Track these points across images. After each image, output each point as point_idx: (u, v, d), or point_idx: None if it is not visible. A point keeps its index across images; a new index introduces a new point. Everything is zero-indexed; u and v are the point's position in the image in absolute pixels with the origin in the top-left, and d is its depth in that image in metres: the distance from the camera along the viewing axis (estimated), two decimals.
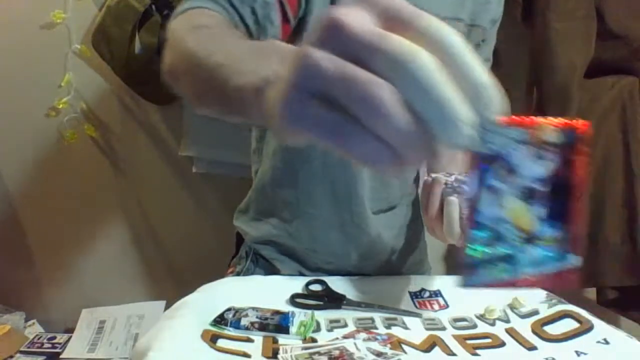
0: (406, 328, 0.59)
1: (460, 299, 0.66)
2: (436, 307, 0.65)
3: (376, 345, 0.52)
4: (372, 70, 0.25)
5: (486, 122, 0.27)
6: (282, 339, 0.55)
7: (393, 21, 0.25)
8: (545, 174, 0.32)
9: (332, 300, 0.65)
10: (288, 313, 0.58)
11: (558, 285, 0.34)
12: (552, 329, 0.58)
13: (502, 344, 0.56)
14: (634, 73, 1.14)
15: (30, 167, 1.37)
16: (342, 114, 0.26)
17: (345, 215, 0.75)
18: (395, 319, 0.61)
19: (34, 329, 1.34)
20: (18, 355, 1.19)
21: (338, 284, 0.70)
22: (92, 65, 1.28)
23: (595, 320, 0.57)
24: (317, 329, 0.58)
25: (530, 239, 0.33)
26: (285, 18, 0.61)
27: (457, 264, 0.33)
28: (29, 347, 1.22)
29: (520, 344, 0.56)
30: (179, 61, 0.48)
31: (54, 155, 1.36)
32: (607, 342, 0.54)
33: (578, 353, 0.52)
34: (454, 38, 0.25)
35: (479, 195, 0.31)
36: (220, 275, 0.84)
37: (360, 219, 0.76)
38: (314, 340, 0.55)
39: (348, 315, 0.62)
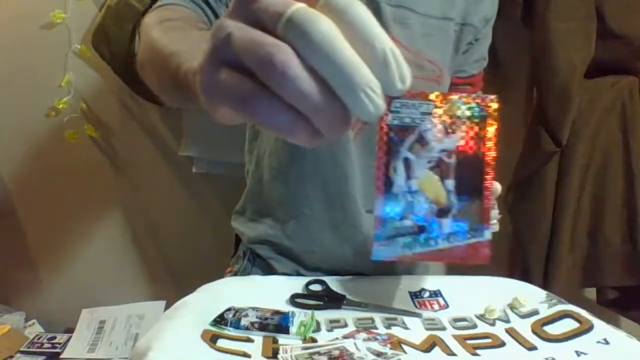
0: (406, 328, 0.59)
1: (460, 299, 0.66)
2: (436, 307, 0.65)
3: (376, 345, 0.52)
4: (279, 38, 0.26)
5: (393, 91, 0.27)
6: (282, 339, 0.55)
7: None
8: (456, 147, 0.33)
9: (332, 300, 0.65)
10: (288, 313, 0.58)
11: (471, 259, 0.35)
12: (552, 329, 0.58)
13: (502, 344, 0.56)
14: (634, 73, 1.14)
15: (30, 167, 1.37)
16: (252, 82, 0.26)
17: (338, 214, 0.76)
18: (395, 319, 0.61)
19: (34, 329, 1.34)
20: (18, 355, 1.19)
21: (338, 284, 0.70)
22: (92, 65, 1.28)
23: (595, 320, 0.57)
24: (317, 329, 0.58)
25: (442, 211, 0.33)
26: None
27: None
28: (29, 347, 1.23)
29: (520, 344, 0.56)
30: (144, 52, 0.50)
31: (54, 155, 1.36)
32: (607, 342, 0.54)
33: (578, 353, 0.52)
34: (358, 9, 0.26)
35: (393, 166, 0.32)
36: (220, 275, 0.84)
37: (353, 218, 0.76)
38: (314, 340, 0.55)
39: (348, 315, 0.62)
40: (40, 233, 1.43)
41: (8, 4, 1.26)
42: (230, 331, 0.55)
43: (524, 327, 0.59)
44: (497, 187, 0.63)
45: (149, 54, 0.49)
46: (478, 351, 0.54)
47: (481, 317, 0.62)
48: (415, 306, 0.65)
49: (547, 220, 1.16)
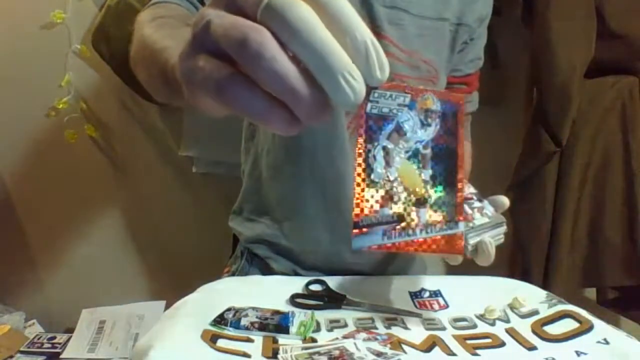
0: (406, 328, 0.59)
1: (460, 299, 0.66)
2: (436, 307, 0.65)
3: (376, 345, 0.52)
4: (259, 24, 0.26)
5: (373, 81, 0.27)
6: (282, 339, 0.55)
7: None
8: (431, 139, 0.34)
9: (332, 300, 0.65)
10: (288, 313, 0.58)
11: (446, 251, 0.35)
12: (552, 329, 0.58)
13: (502, 344, 0.56)
14: (634, 73, 1.14)
15: (30, 167, 1.37)
16: (229, 68, 0.26)
17: (334, 214, 0.76)
18: (395, 319, 0.61)
19: (34, 329, 1.34)
20: (18, 355, 1.19)
21: (338, 284, 0.70)
22: (92, 65, 1.29)
23: (595, 320, 0.57)
24: (317, 329, 0.58)
25: (420, 201, 0.34)
26: None
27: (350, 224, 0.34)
28: (29, 347, 1.22)
29: (520, 344, 0.56)
30: (136, 49, 0.51)
31: (54, 155, 1.36)
32: (607, 342, 0.53)
33: (578, 353, 0.52)
34: (339, 0, 0.26)
35: (372, 154, 0.32)
36: (220, 275, 0.84)
37: (350, 218, 0.76)
38: (314, 340, 0.55)
39: (348, 315, 0.62)
40: (40, 233, 1.43)
41: (8, 4, 1.26)
42: (230, 331, 0.55)
43: (524, 327, 0.59)
44: (505, 201, 0.63)
45: (140, 50, 0.49)
46: (478, 351, 0.54)
47: (481, 317, 0.62)
48: (415, 306, 0.65)
49: (547, 220, 1.16)
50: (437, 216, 0.35)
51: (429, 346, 0.55)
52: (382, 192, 0.33)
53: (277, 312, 0.59)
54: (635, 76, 1.14)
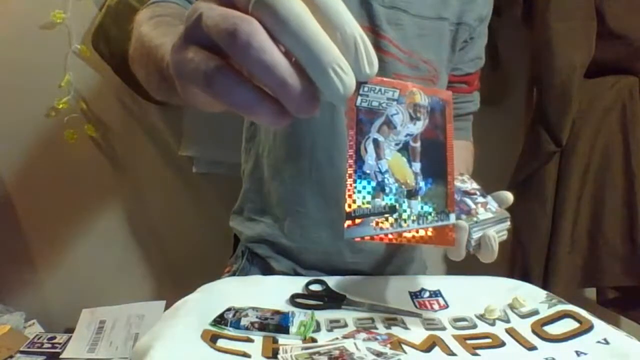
0: (406, 328, 0.59)
1: (460, 299, 0.66)
2: (436, 307, 0.65)
3: (376, 345, 0.52)
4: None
5: (362, 76, 0.27)
6: (282, 339, 0.55)
7: None
8: (420, 133, 0.35)
9: (332, 300, 0.65)
10: (288, 313, 0.58)
11: (438, 242, 0.36)
12: (552, 329, 0.58)
13: (502, 344, 0.56)
14: (634, 73, 1.14)
15: (30, 167, 1.37)
16: (218, 59, 0.27)
17: (334, 213, 0.76)
18: (395, 319, 0.61)
19: (34, 329, 1.33)
20: (18, 355, 1.19)
21: (338, 284, 0.70)
22: (92, 65, 1.28)
23: (595, 320, 0.57)
24: (317, 329, 0.58)
25: (411, 193, 0.35)
26: None
27: (344, 215, 0.34)
28: (29, 347, 1.22)
29: (520, 344, 0.56)
30: (134, 47, 0.51)
31: (54, 155, 1.36)
32: (607, 342, 0.53)
33: (578, 353, 0.52)
34: None
35: (363, 146, 0.33)
36: (220, 275, 0.84)
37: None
38: (314, 340, 0.55)
39: (348, 315, 0.62)
40: (40, 233, 1.43)
41: (8, 4, 1.26)
42: (230, 331, 0.55)
43: (524, 327, 0.59)
44: (509, 197, 0.62)
45: (138, 48, 0.50)
46: (478, 351, 0.54)
47: (481, 317, 0.62)
48: (415, 306, 0.65)
49: (547, 220, 1.16)
50: (428, 208, 0.35)
51: (429, 346, 0.55)
52: (373, 183, 0.33)
53: (277, 312, 0.59)
54: (635, 76, 1.14)
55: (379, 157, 0.33)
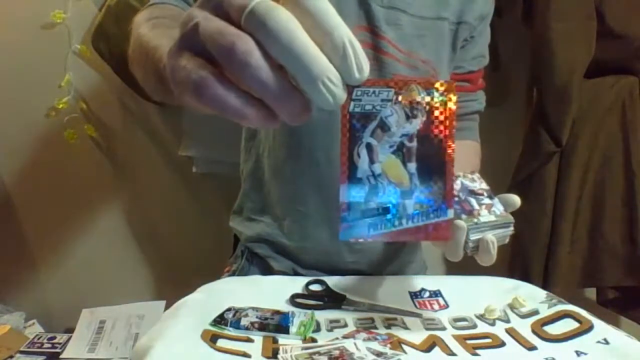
0: (406, 328, 0.59)
1: (460, 299, 0.66)
2: (436, 307, 0.65)
3: (376, 345, 0.52)
4: (243, 29, 0.27)
5: (352, 81, 0.28)
6: (282, 339, 0.55)
7: None
8: (416, 131, 0.35)
9: (332, 300, 0.65)
10: (288, 313, 0.58)
11: (434, 238, 0.36)
12: (552, 329, 0.58)
13: (502, 344, 0.56)
14: (634, 73, 1.14)
15: (30, 167, 1.37)
16: (210, 67, 0.28)
17: (333, 212, 0.76)
18: (395, 319, 0.61)
19: (34, 329, 1.34)
20: (18, 355, 1.19)
21: (338, 284, 0.70)
22: (92, 65, 1.28)
23: (595, 320, 0.57)
24: (317, 329, 0.58)
25: (406, 193, 0.35)
26: None
27: (338, 217, 0.35)
28: (29, 347, 1.22)
29: (520, 344, 0.56)
30: (133, 48, 0.52)
31: (54, 155, 1.36)
32: (607, 342, 0.53)
33: (578, 353, 0.52)
34: (318, 1, 0.27)
35: (356, 152, 0.34)
36: (220, 275, 0.84)
37: None
38: (314, 340, 0.55)
39: (348, 315, 0.62)
40: (40, 233, 1.43)
41: (8, 4, 1.26)
42: (230, 331, 0.55)
43: (524, 327, 0.59)
44: (516, 201, 0.61)
45: (136, 49, 0.50)
46: (478, 351, 0.54)
47: (481, 317, 0.62)
48: (415, 306, 0.65)
49: (547, 220, 1.16)
50: (424, 205, 0.36)
51: (429, 346, 0.55)
52: (367, 187, 0.34)
53: (277, 312, 0.59)
54: (635, 76, 1.14)
55: (372, 162, 0.34)
